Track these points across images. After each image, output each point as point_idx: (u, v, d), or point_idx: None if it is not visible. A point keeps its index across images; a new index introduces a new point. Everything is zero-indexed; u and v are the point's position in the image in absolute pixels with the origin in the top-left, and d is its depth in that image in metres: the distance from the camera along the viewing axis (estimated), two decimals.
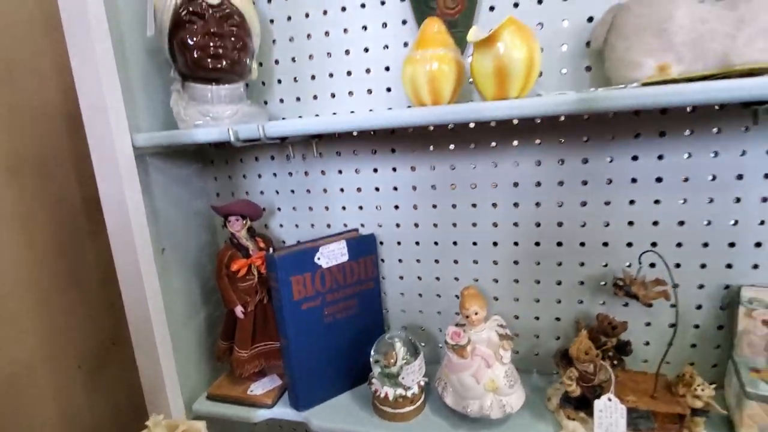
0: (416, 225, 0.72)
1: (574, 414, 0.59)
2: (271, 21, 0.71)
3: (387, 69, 0.67)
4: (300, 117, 0.73)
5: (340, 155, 0.73)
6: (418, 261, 0.74)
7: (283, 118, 0.74)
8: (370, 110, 0.69)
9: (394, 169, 0.71)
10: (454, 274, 0.72)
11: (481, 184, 0.67)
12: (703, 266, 0.61)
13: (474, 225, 0.69)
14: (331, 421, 0.65)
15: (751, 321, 0.57)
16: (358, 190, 0.73)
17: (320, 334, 0.67)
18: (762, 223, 0.58)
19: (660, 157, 0.59)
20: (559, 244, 0.66)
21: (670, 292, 0.58)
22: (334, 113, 0.71)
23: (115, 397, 0.86)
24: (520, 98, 0.51)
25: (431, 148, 0.68)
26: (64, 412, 0.76)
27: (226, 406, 0.70)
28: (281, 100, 0.73)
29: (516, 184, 0.66)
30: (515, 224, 0.67)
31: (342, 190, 0.74)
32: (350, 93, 0.70)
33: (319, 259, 0.66)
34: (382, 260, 0.75)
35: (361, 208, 0.74)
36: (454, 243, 0.71)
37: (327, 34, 0.69)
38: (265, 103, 0.74)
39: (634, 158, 0.60)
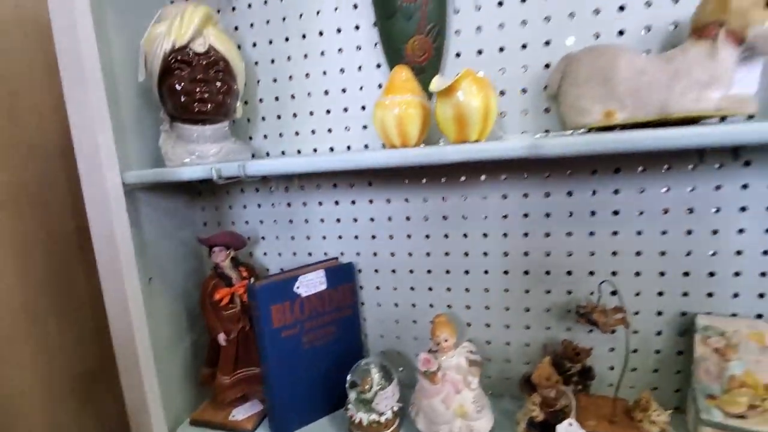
0: (392, 254, 0.75)
1: None
2: (256, 63, 0.76)
3: (363, 108, 0.72)
4: (283, 152, 0.77)
5: (320, 188, 0.77)
6: (394, 288, 0.77)
7: (267, 153, 0.78)
8: (348, 147, 0.74)
9: (371, 201, 0.75)
10: (429, 301, 0.75)
11: (452, 216, 0.71)
12: (660, 294, 0.64)
13: (446, 254, 0.73)
14: None
15: (707, 348, 0.60)
16: (338, 220, 0.77)
17: (299, 361, 0.69)
18: (714, 254, 0.61)
19: (616, 192, 0.63)
20: (526, 272, 0.69)
21: (629, 320, 0.61)
22: (315, 149, 0.76)
23: (104, 420, 0.88)
24: (479, 141, 0.55)
25: (406, 181, 0.72)
26: None
27: (208, 431, 0.72)
28: (265, 136, 0.78)
29: (486, 217, 0.70)
30: (485, 254, 0.71)
31: (322, 220, 0.78)
32: (329, 130, 0.74)
33: (298, 288, 0.69)
34: (361, 287, 0.79)
35: (340, 237, 0.78)
36: (428, 271, 0.74)
37: (308, 75, 0.73)
38: (250, 138, 0.79)
39: (594, 193, 0.64)
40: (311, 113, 0.74)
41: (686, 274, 0.63)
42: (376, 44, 0.68)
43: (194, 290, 0.80)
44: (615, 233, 0.64)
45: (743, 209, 0.59)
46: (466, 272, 0.72)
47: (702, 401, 0.58)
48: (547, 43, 0.62)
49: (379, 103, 0.59)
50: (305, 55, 0.73)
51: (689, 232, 0.62)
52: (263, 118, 0.77)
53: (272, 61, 0.75)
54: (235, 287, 0.71)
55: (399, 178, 0.73)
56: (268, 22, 0.74)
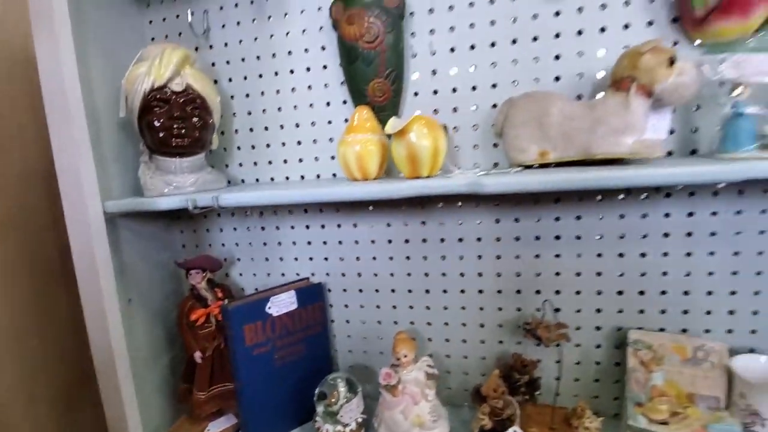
0: (359, 274, 0.81)
1: None
2: (232, 97, 0.81)
3: (331, 140, 0.78)
4: (257, 179, 0.83)
5: (292, 213, 0.82)
6: (361, 306, 0.82)
7: (243, 180, 0.84)
8: (318, 175, 0.79)
9: (339, 225, 0.80)
10: (393, 318, 0.81)
11: (413, 239, 0.77)
12: (598, 311, 0.71)
13: (408, 275, 0.79)
14: None
15: (636, 360, 0.67)
16: (309, 243, 0.83)
17: (271, 377, 0.74)
18: (643, 274, 0.69)
19: (557, 219, 0.70)
20: (480, 291, 0.76)
21: (569, 335, 0.68)
22: (287, 177, 0.81)
23: None
24: (430, 177, 0.62)
25: (370, 208, 0.78)
26: None
27: None
28: (240, 164, 0.83)
29: (443, 240, 0.76)
30: (443, 275, 0.77)
31: (294, 243, 0.83)
32: (300, 160, 0.80)
33: (270, 308, 0.74)
34: (331, 306, 0.84)
35: (311, 258, 0.83)
36: (393, 290, 0.80)
37: (280, 109, 0.79)
38: (227, 166, 0.84)
39: (538, 220, 0.71)
40: (283, 144, 0.80)
41: (620, 292, 0.70)
42: (342, 82, 0.75)
43: (172, 310, 0.84)
44: (557, 255, 0.71)
45: (666, 235, 0.67)
46: (427, 291, 0.78)
47: (631, 408, 0.64)
48: (494, 86, 0.69)
49: (342, 141, 0.65)
50: (277, 91, 0.79)
51: (621, 255, 0.69)
52: (239, 148, 0.83)
53: (247, 95, 0.80)
54: (211, 308, 0.76)
55: (363, 206, 0.78)
56: (243, 59, 0.79)
